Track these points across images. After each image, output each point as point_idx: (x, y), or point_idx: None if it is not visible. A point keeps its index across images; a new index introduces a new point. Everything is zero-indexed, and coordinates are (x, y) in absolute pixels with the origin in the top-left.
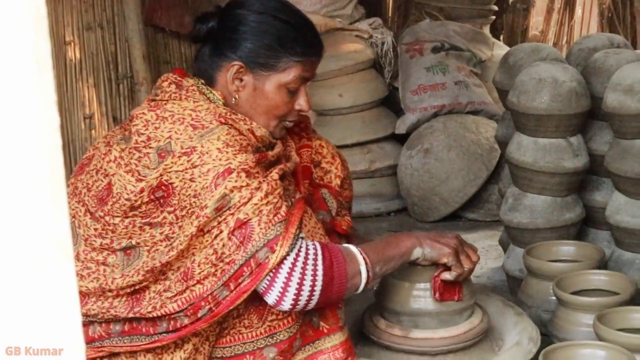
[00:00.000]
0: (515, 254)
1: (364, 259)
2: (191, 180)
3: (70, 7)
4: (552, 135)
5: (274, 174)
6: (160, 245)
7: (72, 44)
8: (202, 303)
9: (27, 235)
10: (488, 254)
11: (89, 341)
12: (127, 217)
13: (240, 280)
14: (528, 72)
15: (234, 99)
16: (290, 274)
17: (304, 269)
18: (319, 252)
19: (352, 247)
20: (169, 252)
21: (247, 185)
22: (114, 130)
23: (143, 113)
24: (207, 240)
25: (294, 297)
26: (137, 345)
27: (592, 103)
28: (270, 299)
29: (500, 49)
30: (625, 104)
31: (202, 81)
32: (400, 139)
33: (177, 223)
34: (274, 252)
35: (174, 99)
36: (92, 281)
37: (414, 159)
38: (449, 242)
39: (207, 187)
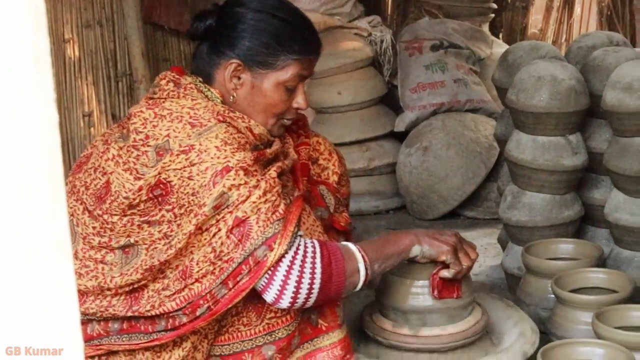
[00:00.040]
0: (514, 251)
1: (362, 256)
2: (189, 178)
3: (70, 5)
4: (551, 133)
5: (272, 171)
6: (159, 244)
7: (71, 41)
8: (201, 301)
9: (26, 234)
10: (487, 252)
11: (88, 339)
12: (125, 216)
13: (238, 279)
14: (527, 70)
15: (231, 97)
16: (288, 272)
17: (302, 266)
18: (317, 250)
19: (350, 245)
20: (167, 250)
21: (246, 183)
22: (112, 129)
23: (141, 111)
24: (205, 239)
25: (293, 294)
26: (136, 343)
27: (591, 101)
28: (269, 296)
29: (500, 47)
30: (624, 102)
31: (200, 79)
32: (399, 137)
33: (175, 221)
34: (272, 250)
35: (172, 97)
36: (90, 280)
37: (413, 156)
38: (447, 239)
39: (205, 185)
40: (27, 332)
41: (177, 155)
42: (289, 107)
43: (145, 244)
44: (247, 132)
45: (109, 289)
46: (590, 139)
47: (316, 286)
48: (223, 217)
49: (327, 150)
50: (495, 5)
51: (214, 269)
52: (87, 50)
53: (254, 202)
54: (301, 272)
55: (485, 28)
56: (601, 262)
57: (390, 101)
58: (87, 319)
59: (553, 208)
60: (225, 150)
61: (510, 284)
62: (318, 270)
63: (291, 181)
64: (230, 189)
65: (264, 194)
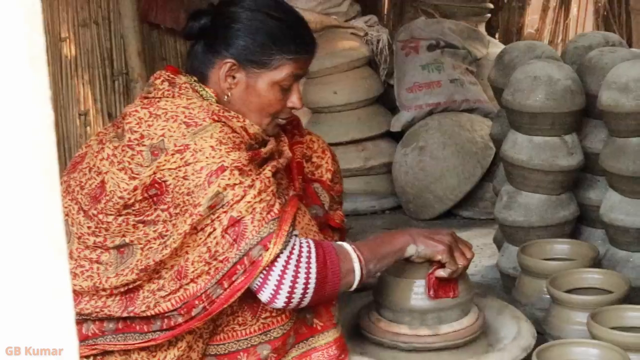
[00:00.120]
0: (510, 252)
1: (357, 256)
2: (184, 178)
3: (66, 4)
4: (547, 133)
5: (267, 171)
6: (154, 243)
7: (68, 40)
8: (196, 302)
9: (21, 233)
10: (482, 252)
11: (83, 339)
12: (120, 215)
13: (233, 279)
14: (523, 70)
15: (226, 97)
16: (283, 272)
17: (297, 266)
18: (313, 249)
19: (345, 245)
20: (162, 250)
21: (241, 183)
22: (107, 128)
23: (136, 111)
24: (200, 239)
25: (288, 294)
26: (131, 343)
27: (587, 101)
28: (264, 296)
29: (496, 47)
30: (620, 102)
31: (195, 78)
32: (395, 137)
33: (170, 221)
34: (267, 249)
35: (167, 97)
36: (85, 280)
37: (409, 156)
38: (443, 239)
39: (200, 185)
40: (27, 332)
41: (172, 154)
42: (283, 106)
43: (141, 244)
44: (242, 132)
45: (103, 290)
46: (586, 139)
47: (311, 286)
48: (218, 216)
49: (320, 148)
50: (491, 5)
51: (209, 268)
52: (84, 49)
53: (249, 202)
54: (296, 271)
55: (482, 28)
56: (596, 262)
57: (386, 101)
58: (82, 319)
59: (549, 208)
60: (220, 150)
61: (506, 284)
62: (313, 270)
63: (285, 179)
64: (225, 188)
65: (259, 193)
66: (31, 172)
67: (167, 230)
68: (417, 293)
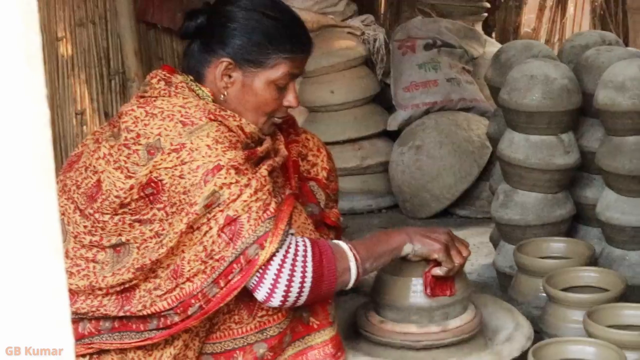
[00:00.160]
0: (506, 250)
1: (354, 255)
2: (180, 177)
3: (63, 3)
4: (544, 132)
5: (263, 170)
6: (150, 242)
7: (64, 40)
8: (192, 301)
9: (18, 232)
10: (479, 251)
11: (79, 338)
12: (116, 214)
13: (230, 277)
14: (520, 69)
15: (222, 96)
16: (279, 271)
17: (293, 265)
18: (309, 248)
19: (342, 244)
20: (158, 249)
21: (237, 182)
22: (103, 127)
23: (132, 110)
24: (196, 237)
25: (284, 293)
26: (128, 342)
27: (584, 100)
28: (260, 295)
29: (492, 46)
30: (616, 101)
31: (191, 78)
32: (391, 136)
33: (167, 220)
34: (263, 248)
35: (163, 96)
36: (82, 279)
37: (406, 155)
38: (439, 237)
39: (196, 184)
40: (27, 332)
41: (169, 153)
42: (279, 105)
43: (137, 243)
44: (238, 131)
45: (100, 289)
46: (583, 138)
47: (307, 285)
48: (214, 215)
49: (315, 147)
50: (488, 5)
51: (205, 267)
52: (80, 49)
53: (245, 201)
54: (292, 270)
55: (479, 27)
56: (593, 260)
57: (383, 100)
58: (78, 318)
59: (545, 207)
60: (216, 149)
61: (502, 283)
62: (309, 269)
63: (282, 178)
64: (221, 187)
65: (255, 192)
66: (27, 171)
67: (163, 229)
68: (414, 291)
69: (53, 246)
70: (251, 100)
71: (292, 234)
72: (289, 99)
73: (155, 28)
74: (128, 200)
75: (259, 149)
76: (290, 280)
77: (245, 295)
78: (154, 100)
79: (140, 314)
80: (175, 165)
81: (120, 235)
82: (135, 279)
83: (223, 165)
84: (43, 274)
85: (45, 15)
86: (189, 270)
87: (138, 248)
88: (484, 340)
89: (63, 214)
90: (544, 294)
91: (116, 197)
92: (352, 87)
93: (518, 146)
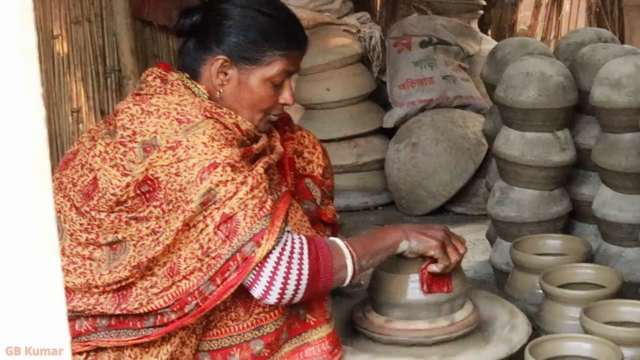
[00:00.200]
0: (502, 247)
1: (350, 252)
2: (177, 174)
3: (58, 1)
4: (540, 129)
5: (259, 167)
6: (147, 240)
7: (60, 37)
8: (189, 298)
9: (13, 230)
10: (475, 248)
11: (75, 335)
12: (113, 212)
13: (226, 275)
14: (515, 66)
15: (218, 93)
16: (276, 268)
17: (289, 262)
18: (305, 245)
19: (338, 241)
20: (155, 247)
21: (233, 179)
22: (99, 125)
23: (128, 107)
24: (193, 235)
25: (280, 290)
26: (124, 340)
27: (580, 97)
28: (257, 292)
29: (488, 43)
30: (612, 98)
31: (187, 75)
32: (388, 133)
33: (163, 217)
34: (260, 246)
35: (159, 93)
36: (78, 277)
37: (402, 153)
38: (435, 234)
39: (192, 182)
40: (27, 332)
41: (165, 151)
42: (275, 102)
43: (133, 241)
44: (235, 128)
45: (96, 287)
46: (579, 135)
47: (303, 282)
48: (210, 213)
49: (311, 144)
50: (484, 2)
51: (202, 265)
52: (76, 47)
53: (241, 199)
54: (288, 267)
55: (474, 25)
56: (589, 257)
57: (379, 97)
58: (75, 316)
59: (541, 204)
60: (212, 147)
61: (499, 280)
62: (305, 266)
63: (277, 175)
64: (217, 185)
65: (251, 190)
66: (23, 169)
67: (159, 227)
68: (411, 288)
69: (49, 244)
70: (247, 98)
71: (288, 232)
72: (285, 96)
73: (151, 26)
74: (124, 197)
75: (255, 146)
76: (286, 278)
77: (242, 293)
78: (150, 98)
79: (137, 312)
80: (172, 163)
81: (116, 232)
82: (131, 276)
83: (219, 163)
84: (39, 272)
85: (41, 13)
86: (185, 268)
87: (134, 246)
88: (481, 337)
89: (59, 212)
90: (541, 291)
91: (112, 194)
92: (348, 84)
93: (514, 143)
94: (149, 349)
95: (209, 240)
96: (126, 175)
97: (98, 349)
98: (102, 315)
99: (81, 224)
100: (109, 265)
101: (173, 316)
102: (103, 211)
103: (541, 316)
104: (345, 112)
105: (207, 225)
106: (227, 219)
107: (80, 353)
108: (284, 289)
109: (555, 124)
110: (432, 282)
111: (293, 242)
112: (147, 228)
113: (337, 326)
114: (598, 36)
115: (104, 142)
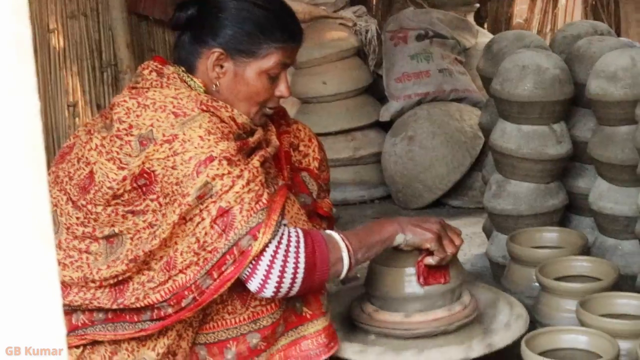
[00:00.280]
0: (499, 240)
1: (346, 245)
2: (173, 167)
3: None
4: (536, 122)
5: (255, 161)
6: (144, 233)
7: (56, 32)
8: (186, 292)
9: (8, 225)
10: (471, 241)
11: (72, 329)
12: (109, 206)
13: (223, 269)
14: (512, 59)
15: (214, 86)
16: (272, 261)
17: (286, 256)
18: (301, 239)
19: (334, 234)
20: (152, 240)
21: (229, 173)
22: (95, 119)
23: (124, 101)
24: (189, 229)
25: (276, 284)
26: (121, 334)
27: (576, 90)
28: (253, 286)
29: (484, 36)
30: (608, 91)
31: (183, 68)
32: (384, 127)
33: (160, 211)
34: (256, 239)
35: (155, 87)
36: (75, 270)
37: (398, 146)
38: (431, 227)
39: (189, 175)
40: (27, 332)
41: (161, 144)
42: (271, 95)
43: (130, 234)
44: (231, 122)
45: (93, 281)
46: (575, 128)
47: (300, 275)
48: (206, 206)
49: (307, 137)
50: None
51: (198, 259)
52: (72, 41)
53: (237, 192)
54: (285, 261)
55: (470, 18)
56: (585, 250)
57: (375, 91)
58: (71, 309)
59: (537, 197)
60: (208, 140)
61: (495, 273)
62: (302, 259)
63: (274, 168)
64: (213, 178)
65: (247, 183)
66: (19, 163)
67: (156, 220)
68: (407, 281)
69: (44, 240)
70: (243, 90)
71: (285, 225)
72: (281, 88)
73: (147, 20)
74: (121, 191)
75: (251, 139)
76: (282, 271)
77: (239, 286)
78: (146, 92)
79: (134, 306)
80: (168, 156)
81: (113, 226)
82: (128, 271)
83: (215, 157)
84: (34, 266)
85: (37, 8)
86: (181, 262)
87: (131, 239)
88: (479, 328)
89: (55, 206)
90: (537, 284)
91: (109, 188)
92: (344, 78)
93: (510, 136)
94: (146, 342)
95: (206, 234)
96: (122, 168)
97: (94, 343)
98: (99, 309)
99: (77, 218)
100: (106, 259)
101: (170, 310)
102: (99, 205)
103: (537, 309)
104: (342, 106)
105: (203, 219)
106: (224, 212)
107: (77, 347)
108: (280, 282)
109: (551, 117)
110: (429, 274)
111: (289, 236)
112: (144, 221)
113: (334, 320)
114: (594, 29)
115: (100, 135)
